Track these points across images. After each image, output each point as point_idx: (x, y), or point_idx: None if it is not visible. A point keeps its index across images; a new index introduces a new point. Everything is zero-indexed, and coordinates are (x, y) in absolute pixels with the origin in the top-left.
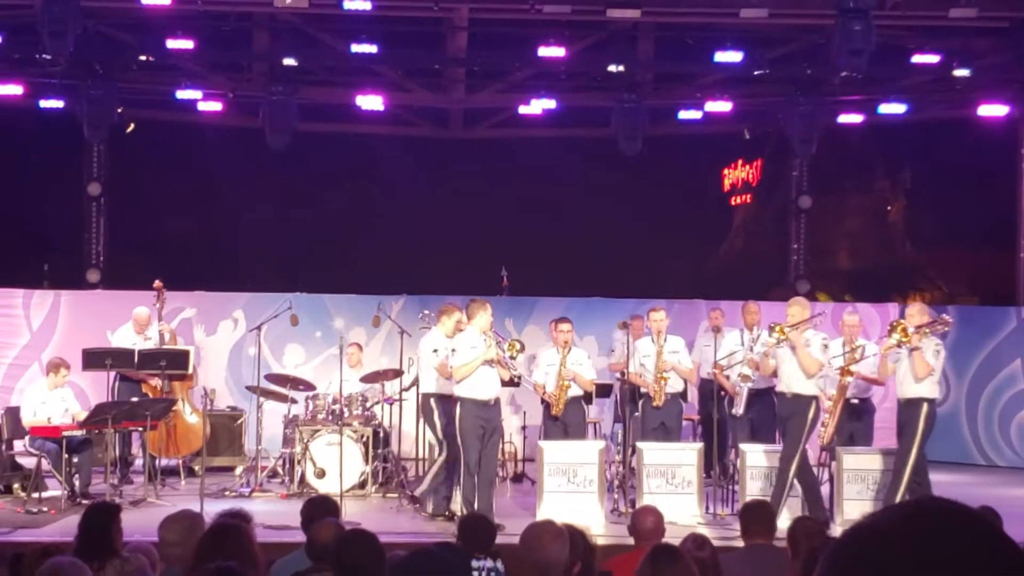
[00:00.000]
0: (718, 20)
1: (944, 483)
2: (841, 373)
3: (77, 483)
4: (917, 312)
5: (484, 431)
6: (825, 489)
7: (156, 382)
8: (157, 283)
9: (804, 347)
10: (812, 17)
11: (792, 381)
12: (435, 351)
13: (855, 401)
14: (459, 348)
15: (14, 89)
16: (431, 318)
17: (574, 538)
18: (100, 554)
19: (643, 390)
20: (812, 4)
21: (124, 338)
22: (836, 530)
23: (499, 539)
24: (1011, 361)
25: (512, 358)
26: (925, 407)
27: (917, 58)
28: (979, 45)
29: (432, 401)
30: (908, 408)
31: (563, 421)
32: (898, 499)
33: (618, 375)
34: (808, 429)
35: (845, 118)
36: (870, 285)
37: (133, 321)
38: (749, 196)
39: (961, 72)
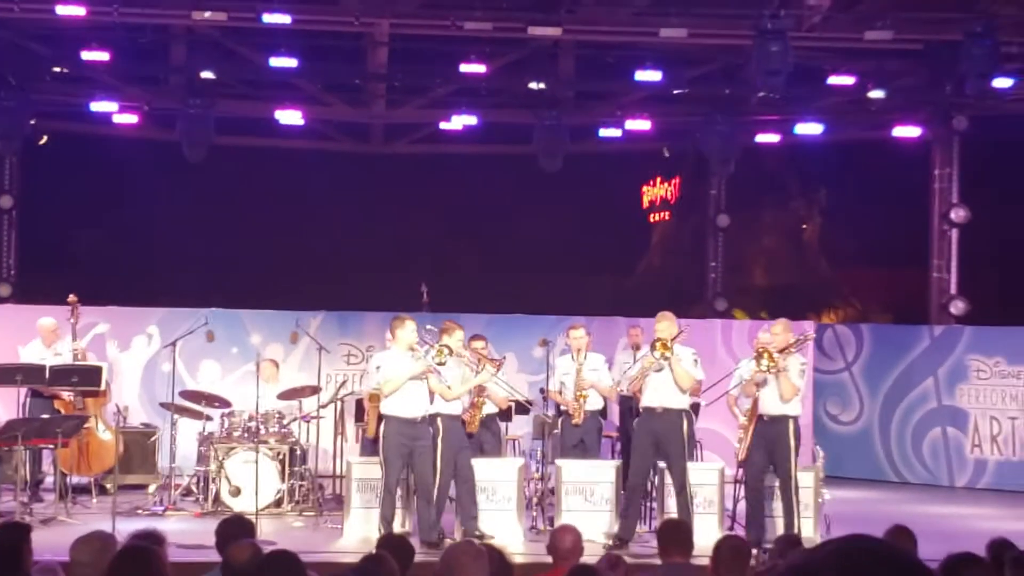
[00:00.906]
0: (638, 39)
1: (857, 500)
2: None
3: None
4: (782, 330)
5: (409, 449)
6: (742, 506)
7: (68, 395)
8: (72, 298)
9: (679, 362)
10: (730, 37)
11: (665, 396)
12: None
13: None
14: (384, 365)
15: None
16: (434, 334)
17: (492, 558)
18: (9, 574)
19: (562, 407)
20: (730, 25)
21: (34, 353)
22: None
23: (419, 558)
24: (923, 379)
25: (441, 364)
26: (791, 423)
27: (833, 79)
28: (894, 67)
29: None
30: (775, 425)
31: (479, 438)
32: (796, 520)
33: (540, 391)
34: (688, 442)
35: (762, 138)
36: (786, 303)
37: (40, 332)
38: (668, 213)
39: (876, 94)
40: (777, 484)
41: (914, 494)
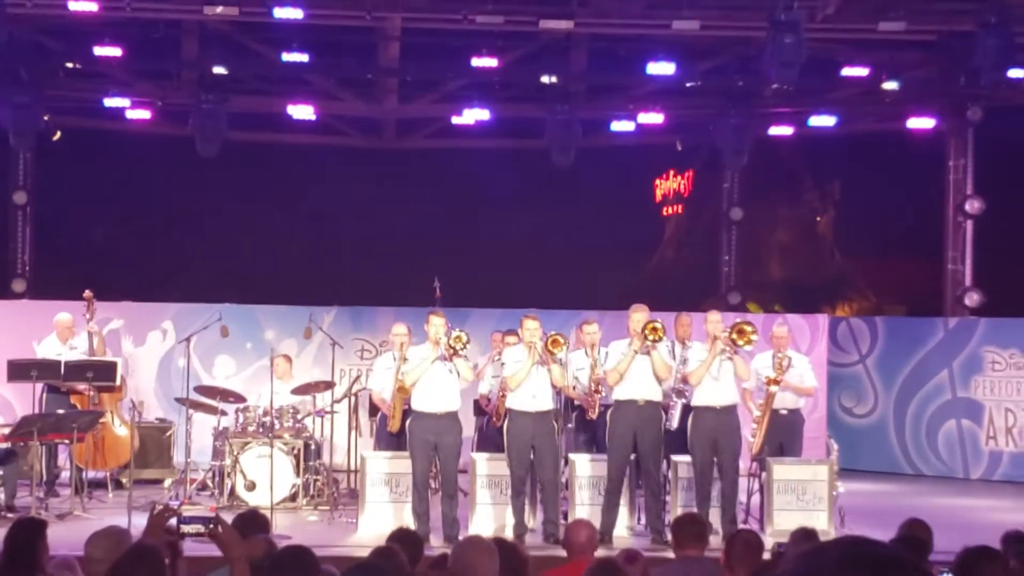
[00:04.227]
0: (650, 32)
1: (873, 492)
2: (767, 383)
3: (2, 496)
4: (720, 319)
5: (434, 444)
6: (756, 500)
7: (84, 386)
8: (87, 293)
9: (657, 351)
10: (743, 29)
11: (648, 388)
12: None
13: (784, 412)
14: (410, 357)
15: None
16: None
17: (505, 552)
18: (25, 571)
19: (576, 402)
20: (743, 17)
21: (49, 348)
22: (767, 540)
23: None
24: (938, 372)
25: (463, 348)
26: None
27: (847, 71)
28: (907, 58)
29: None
30: (730, 414)
31: (501, 432)
32: (733, 510)
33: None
34: (665, 436)
35: (776, 130)
36: (800, 296)
37: (56, 327)
38: (681, 207)
39: (890, 85)
40: (716, 471)
41: (929, 486)
